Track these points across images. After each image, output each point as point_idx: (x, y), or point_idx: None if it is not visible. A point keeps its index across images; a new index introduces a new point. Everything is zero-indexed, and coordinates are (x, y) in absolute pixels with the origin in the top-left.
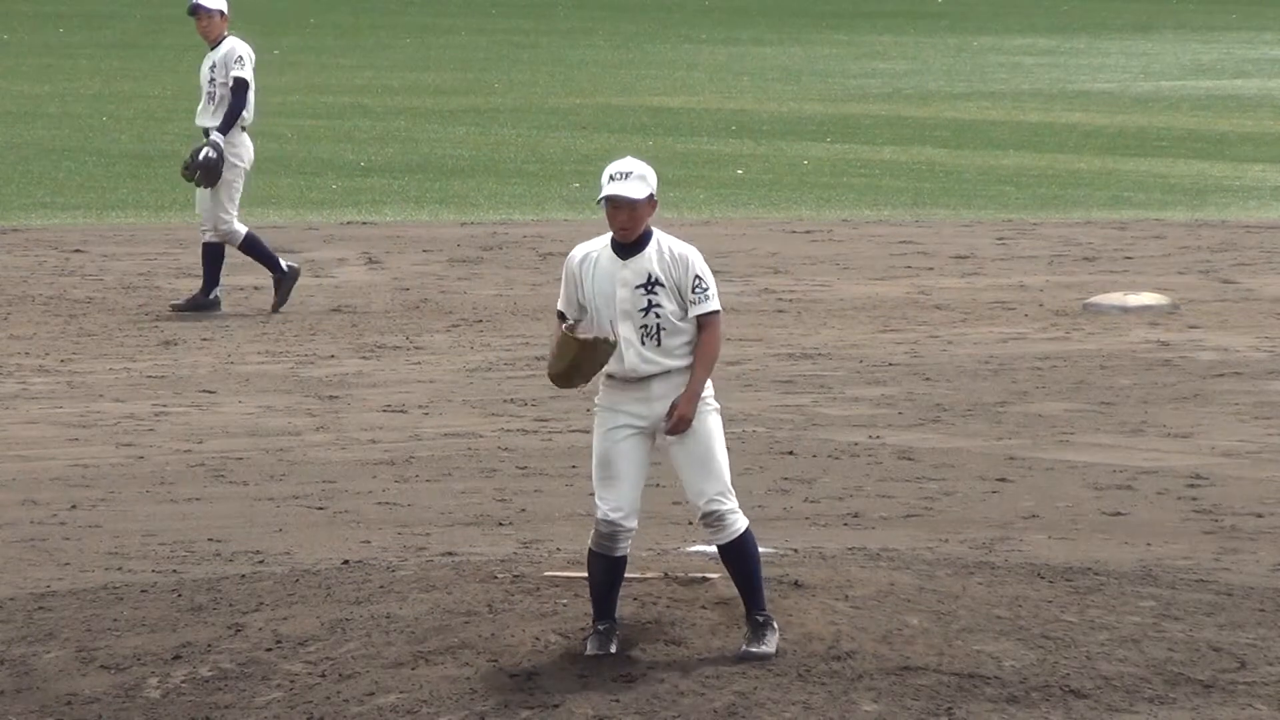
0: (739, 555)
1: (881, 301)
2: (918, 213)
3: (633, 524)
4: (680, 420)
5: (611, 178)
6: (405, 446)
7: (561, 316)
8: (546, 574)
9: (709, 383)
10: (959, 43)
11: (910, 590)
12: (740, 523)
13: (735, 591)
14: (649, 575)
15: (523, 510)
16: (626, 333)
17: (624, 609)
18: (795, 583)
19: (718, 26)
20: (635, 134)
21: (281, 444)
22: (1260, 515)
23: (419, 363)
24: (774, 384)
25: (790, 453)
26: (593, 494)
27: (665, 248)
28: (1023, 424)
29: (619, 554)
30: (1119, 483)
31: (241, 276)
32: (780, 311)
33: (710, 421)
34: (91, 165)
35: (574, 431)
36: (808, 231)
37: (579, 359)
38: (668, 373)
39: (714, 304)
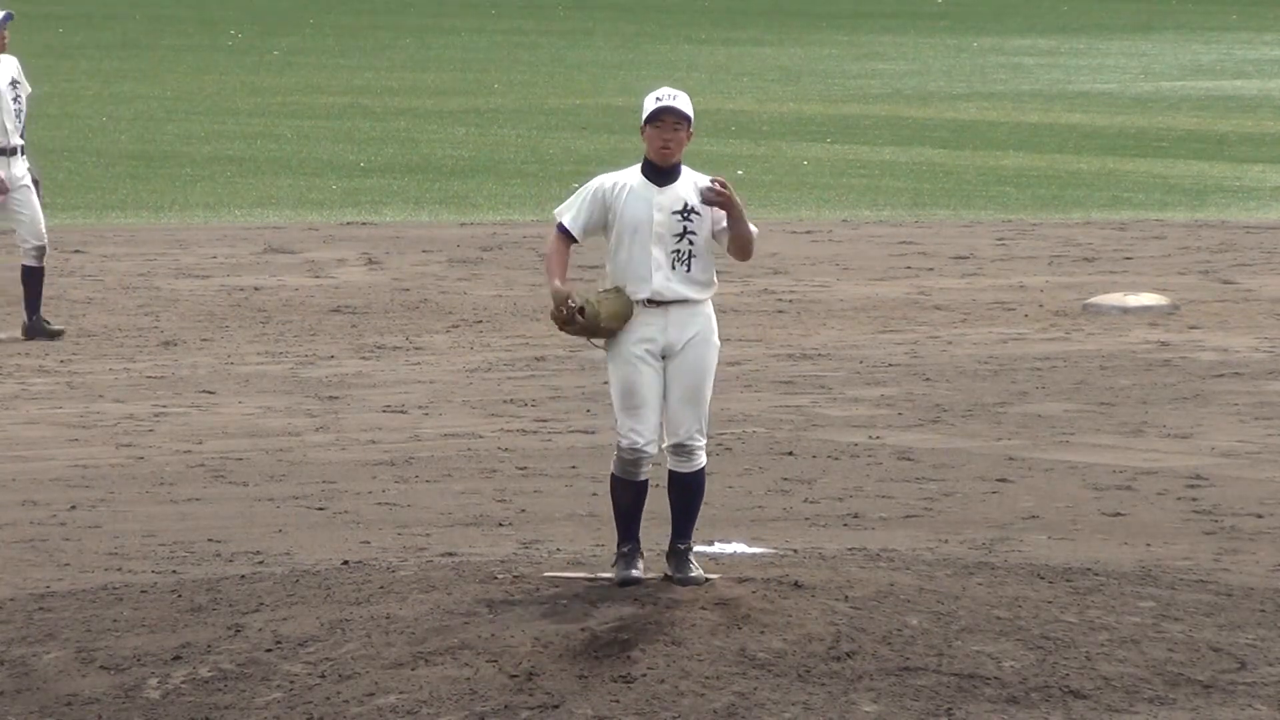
0: (692, 486)
1: (881, 302)
2: (918, 213)
3: (655, 449)
4: (726, 201)
5: (659, 98)
6: (405, 447)
7: (562, 230)
8: (546, 574)
9: (713, 319)
10: (959, 43)
11: (910, 590)
12: (703, 459)
13: (735, 592)
14: (649, 575)
15: (523, 510)
16: (657, 256)
17: (623, 609)
18: (795, 583)
19: (717, 27)
20: (635, 134)
21: (281, 444)
22: (1260, 515)
23: (419, 363)
24: (774, 384)
25: (790, 453)
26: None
27: (695, 179)
28: (1023, 424)
29: (643, 477)
30: (1119, 483)
31: (240, 277)
32: (780, 312)
33: (710, 357)
34: (91, 165)
35: (574, 432)
36: (808, 232)
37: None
38: (686, 302)
39: None
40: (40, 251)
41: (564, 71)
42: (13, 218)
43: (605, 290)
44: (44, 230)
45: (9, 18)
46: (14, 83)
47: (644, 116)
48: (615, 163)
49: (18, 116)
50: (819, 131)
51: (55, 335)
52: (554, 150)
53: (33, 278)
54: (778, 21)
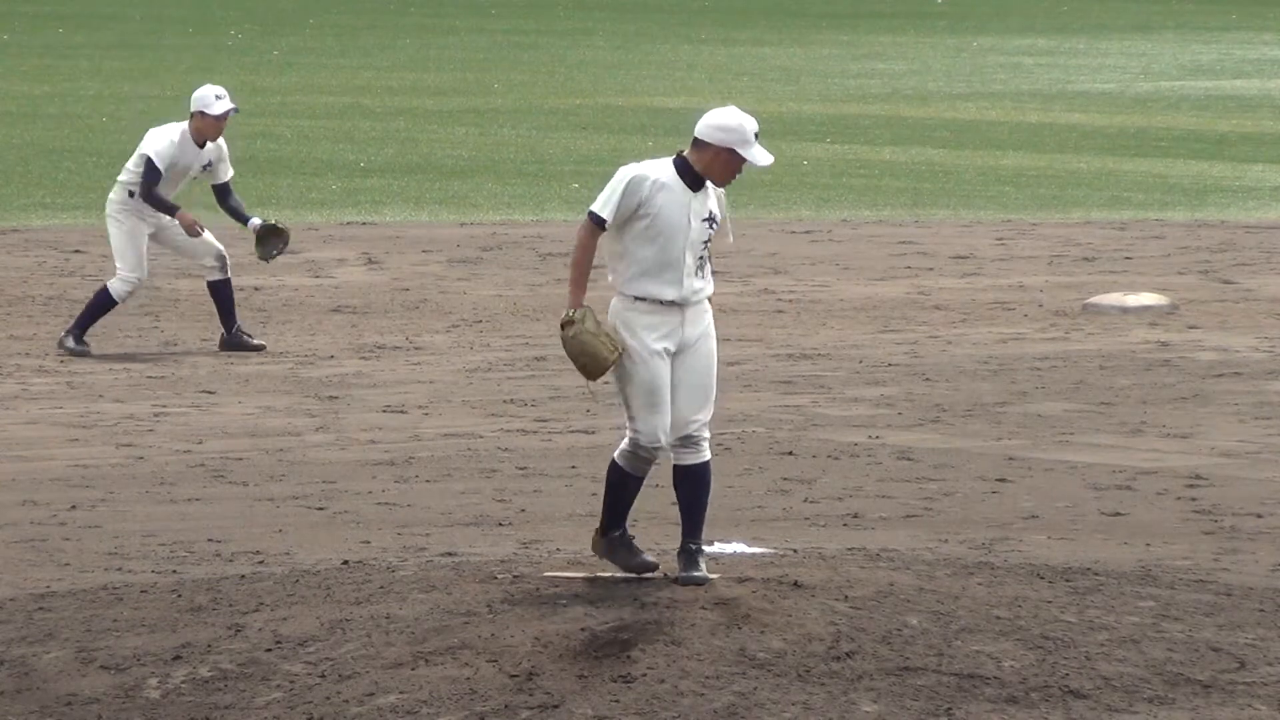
0: (697, 479)
1: (881, 301)
2: (917, 213)
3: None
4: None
5: (758, 135)
6: (405, 447)
7: (594, 219)
8: (546, 574)
9: (710, 311)
10: (959, 43)
11: (910, 590)
12: (709, 451)
13: (735, 592)
14: (649, 575)
15: (523, 510)
16: (689, 262)
17: (623, 610)
18: (795, 583)
19: (717, 27)
20: (635, 134)
21: (281, 444)
22: (1260, 515)
23: (419, 363)
24: (774, 384)
25: (790, 453)
26: (629, 427)
27: (714, 189)
28: (1022, 424)
29: (646, 472)
30: (1119, 483)
31: (240, 277)
32: (780, 312)
33: (715, 350)
34: (91, 165)
35: (574, 432)
36: (808, 231)
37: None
38: (700, 301)
39: None
40: (221, 261)
41: (564, 71)
42: (178, 250)
43: (605, 337)
44: (214, 241)
45: (233, 111)
46: (206, 166)
47: (726, 137)
48: (615, 163)
49: (187, 184)
50: (819, 131)
51: (256, 348)
52: (554, 150)
53: (219, 290)
54: (778, 21)
